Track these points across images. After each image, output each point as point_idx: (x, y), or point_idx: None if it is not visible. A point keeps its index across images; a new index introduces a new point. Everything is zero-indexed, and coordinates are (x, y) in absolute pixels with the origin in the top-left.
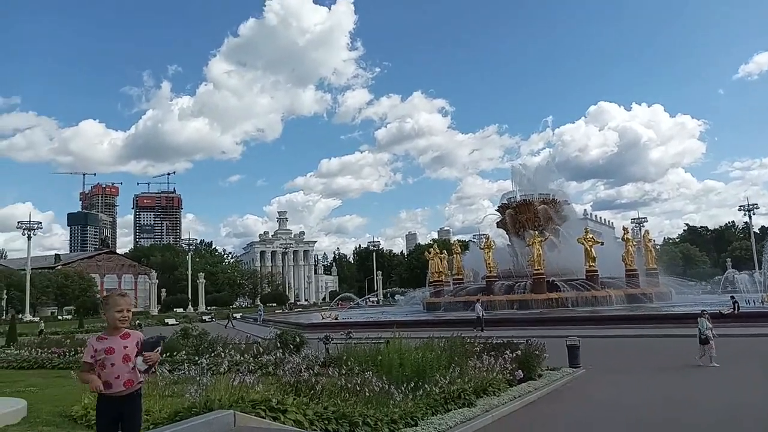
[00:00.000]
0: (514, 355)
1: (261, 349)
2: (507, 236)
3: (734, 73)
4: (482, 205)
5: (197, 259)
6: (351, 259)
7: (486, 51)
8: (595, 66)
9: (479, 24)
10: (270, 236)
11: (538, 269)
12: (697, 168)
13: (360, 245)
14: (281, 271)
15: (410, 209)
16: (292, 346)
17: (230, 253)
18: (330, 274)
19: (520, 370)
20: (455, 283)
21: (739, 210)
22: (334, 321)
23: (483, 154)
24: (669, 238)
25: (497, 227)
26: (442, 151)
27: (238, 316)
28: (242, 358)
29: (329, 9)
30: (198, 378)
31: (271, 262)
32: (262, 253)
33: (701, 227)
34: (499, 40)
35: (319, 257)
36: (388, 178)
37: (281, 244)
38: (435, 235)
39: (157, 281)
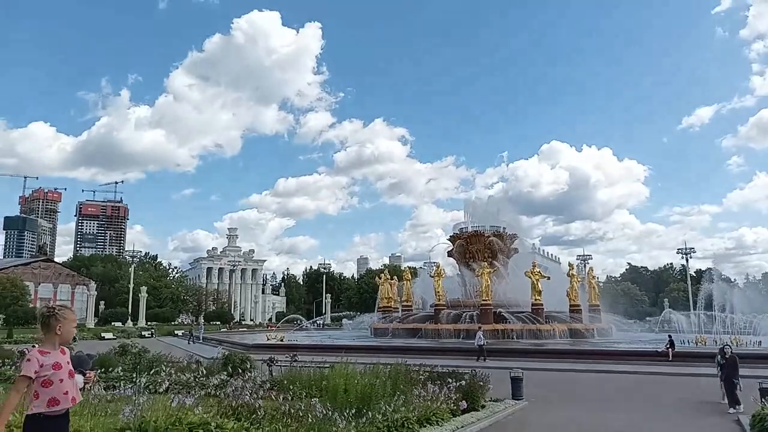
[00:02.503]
0: (459, 385)
1: (203, 369)
2: (457, 266)
3: (678, 123)
4: (435, 234)
5: (140, 272)
6: (300, 281)
7: (448, 85)
8: (550, 106)
9: (442, 58)
10: (218, 252)
11: (486, 300)
12: (641, 210)
13: (311, 266)
14: (228, 288)
15: (364, 234)
16: (240, 369)
17: (176, 267)
18: (278, 295)
19: (464, 401)
20: (404, 309)
21: (677, 253)
22: (279, 343)
23: (439, 184)
24: (612, 276)
25: (448, 256)
26: (399, 178)
27: (179, 333)
28: (183, 378)
29: (297, 32)
30: (134, 397)
31: (218, 279)
32: (209, 269)
33: (642, 267)
34: (460, 75)
35: (268, 277)
36: (344, 201)
37: (229, 261)
38: (387, 261)
39: (96, 293)
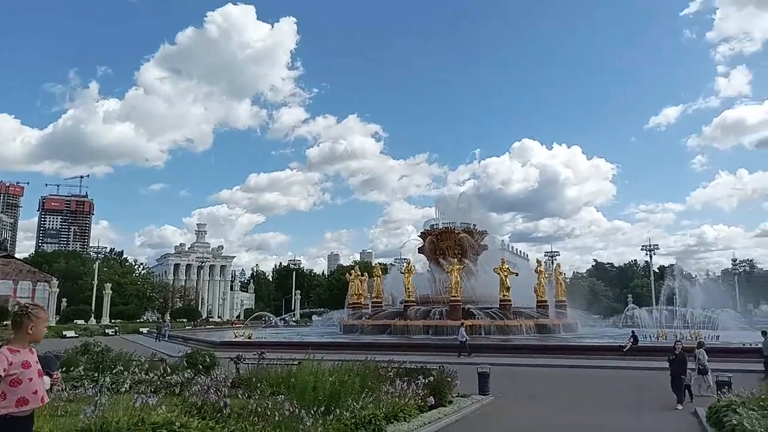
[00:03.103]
0: (427, 381)
1: (168, 367)
2: (427, 262)
3: (645, 123)
4: (407, 230)
5: (105, 269)
6: (270, 277)
7: (422, 82)
8: (522, 104)
9: (417, 55)
10: (186, 249)
11: (455, 296)
12: (608, 208)
13: (281, 263)
14: (195, 285)
15: (336, 230)
16: (201, 367)
17: (142, 264)
18: (247, 291)
19: (431, 397)
20: (374, 306)
21: (642, 250)
22: (247, 340)
23: (412, 181)
24: (578, 273)
25: (419, 253)
26: (372, 174)
27: (144, 330)
28: (146, 377)
29: (272, 27)
30: (96, 397)
31: (186, 275)
32: (177, 265)
33: (607, 264)
34: (435, 72)
35: (237, 273)
36: (316, 197)
37: (197, 257)
38: (358, 257)
39: (59, 290)
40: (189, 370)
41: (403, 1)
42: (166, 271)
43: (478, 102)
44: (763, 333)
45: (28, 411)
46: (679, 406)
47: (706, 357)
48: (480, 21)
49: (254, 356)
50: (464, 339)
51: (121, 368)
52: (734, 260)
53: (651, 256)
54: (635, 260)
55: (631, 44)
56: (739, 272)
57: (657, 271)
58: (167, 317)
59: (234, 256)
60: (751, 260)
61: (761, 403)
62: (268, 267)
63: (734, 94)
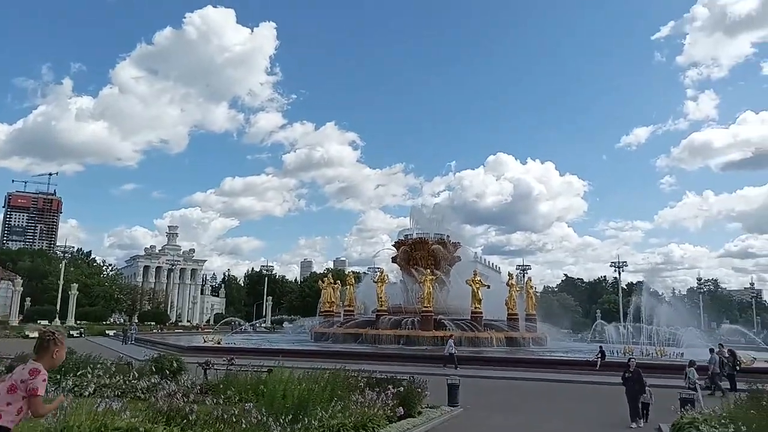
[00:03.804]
0: (397, 391)
1: (134, 371)
2: (401, 272)
3: (616, 142)
4: (381, 239)
5: (72, 269)
6: (242, 282)
7: (401, 93)
8: (498, 119)
9: (396, 66)
10: (157, 251)
11: (427, 307)
12: (579, 224)
13: (253, 268)
14: (165, 288)
15: (310, 237)
16: (168, 372)
17: (111, 265)
18: (217, 296)
19: (401, 407)
20: (346, 314)
21: (611, 266)
22: (216, 345)
23: (388, 190)
24: (549, 287)
25: (392, 262)
26: (348, 182)
27: (111, 333)
28: (111, 381)
29: (252, 31)
30: None
31: (155, 278)
32: (146, 268)
33: (577, 279)
34: (413, 83)
35: (208, 277)
36: (291, 203)
37: (168, 260)
38: (331, 265)
39: (23, 289)
40: (155, 375)
41: (384, 12)
42: (135, 273)
43: (455, 115)
44: (711, 350)
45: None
46: (633, 425)
47: (696, 375)
48: (459, 36)
49: (223, 362)
50: (453, 351)
51: (86, 371)
52: (699, 279)
53: (620, 273)
54: (604, 276)
55: (604, 65)
56: (703, 291)
57: (625, 287)
58: (135, 320)
59: (205, 260)
60: (715, 280)
61: (722, 421)
62: (240, 272)
63: (702, 117)
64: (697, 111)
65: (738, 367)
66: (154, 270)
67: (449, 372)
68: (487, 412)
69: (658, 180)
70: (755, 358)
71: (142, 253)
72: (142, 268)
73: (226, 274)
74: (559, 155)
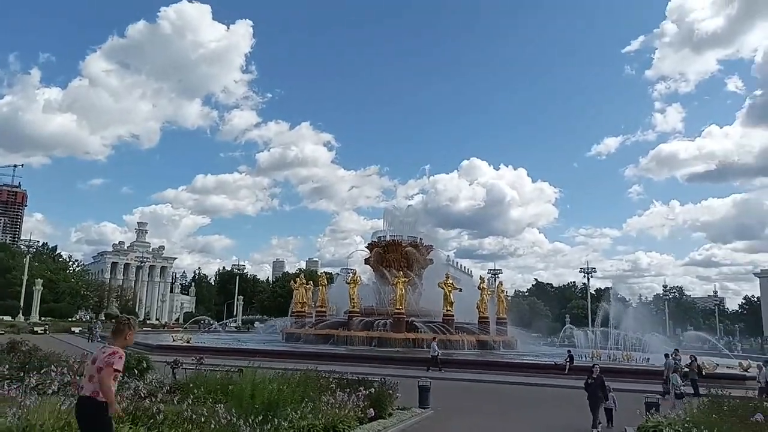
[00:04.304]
0: (368, 392)
1: None
2: (373, 273)
3: (587, 151)
4: (355, 241)
5: (36, 264)
6: (212, 281)
7: (377, 95)
8: (472, 124)
9: (373, 68)
10: (126, 247)
11: (399, 309)
12: (550, 230)
13: (224, 267)
14: (133, 285)
15: (282, 236)
16: (136, 371)
17: (77, 261)
18: (187, 294)
19: (372, 408)
20: (318, 315)
21: (580, 272)
22: (185, 344)
23: (362, 192)
24: (519, 291)
25: (365, 264)
26: (322, 183)
27: (76, 330)
28: (76, 379)
29: (228, 28)
30: (20, 399)
31: (123, 275)
32: (114, 264)
33: (547, 284)
34: (390, 86)
35: (178, 275)
36: (264, 202)
37: (137, 257)
38: (303, 265)
39: None
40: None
41: (361, 14)
42: (102, 270)
43: (430, 119)
44: (666, 355)
45: (81, 393)
46: (594, 431)
47: (680, 381)
48: (437, 42)
49: (192, 361)
50: (436, 353)
51: (49, 369)
52: (665, 287)
53: (588, 279)
54: (574, 282)
55: (577, 75)
56: (669, 298)
57: (594, 293)
58: (101, 317)
59: (176, 258)
60: (680, 287)
61: (685, 425)
62: (211, 270)
63: (669, 129)
64: (665, 123)
65: (701, 373)
66: (122, 267)
67: (422, 374)
68: (457, 414)
69: (627, 189)
70: (717, 364)
71: (110, 249)
72: (110, 265)
73: (197, 272)
74: (532, 162)
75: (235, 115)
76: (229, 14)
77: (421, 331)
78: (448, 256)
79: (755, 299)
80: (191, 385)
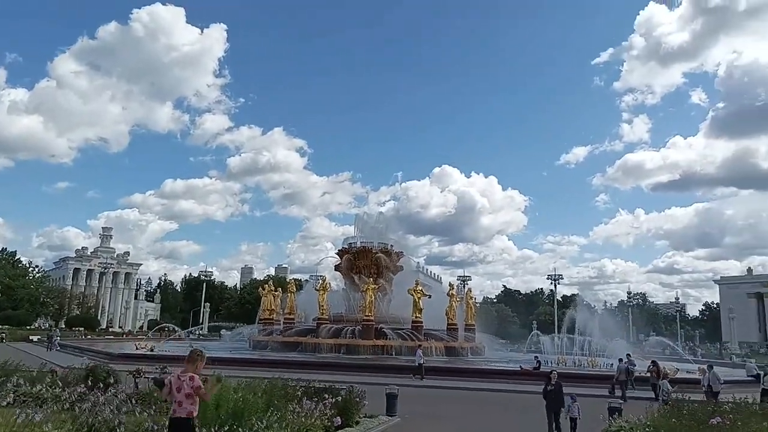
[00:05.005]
0: (335, 401)
1: (58, 380)
2: (343, 280)
3: (556, 159)
4: (325, 247)
5: None
6: (179, 288)
7: (350, 102)
8: (444, 132)
9: (346, 75)
10: (89, 253)
11: (369, 315)
12: (519, 237)
13: (191, 273)
14: (96, 292)
15: (252, 242)
16: (96, 380)
17: (38, 266)
18: (152, 301)
19: (339, 417)
20: (286, 322)
21: (547, 279)
22: (149, 353)
23: (334, 198)
24: (488, 297)
25: (335, 270)
26: (294, 189)
27: (35, 338)
28: (33, 390)
29: (201, 32)
30: None
31: (86, 281)
32: (77, 270)
33: (515, 290)
34: (364, 92)
35: (143, 282)
36: (234, 208)
37: (101, 262)
38: (273, 271)
39: None
40: (81, 384)
41: (335, 21)
42: (64, 276)
43: (403, 126)
44: (620, 360)
45: (175, 415)
46: None
47: (671, 388)
48: (409, 49)
49: (156, 370)
50: (421, 361)
51: (4, 379)
52: (629, 293)
53: (555, 286)
54: (541, 288)
55: (547, 86)
56: (632, 304)
57: (561, 299)
58: (61, 325)
59: (141, 264)
60: (643, 294)
61: (646, 429)
62: (177, 277)
63: (636, 140)
64: (632, 134)
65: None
66: (85, 273)
67: (391, 381)
68: (423, 421)
69: (594, 197)
70: (678, 369)
71: (73, 254)
72: (72, 271)
73: (163, 278)
74: (503, 170)
75: (206, 119)
76: (203, 17)
77: (389, 338)
78: (419, 262)
79: (715, 306)
80: (154, 395)
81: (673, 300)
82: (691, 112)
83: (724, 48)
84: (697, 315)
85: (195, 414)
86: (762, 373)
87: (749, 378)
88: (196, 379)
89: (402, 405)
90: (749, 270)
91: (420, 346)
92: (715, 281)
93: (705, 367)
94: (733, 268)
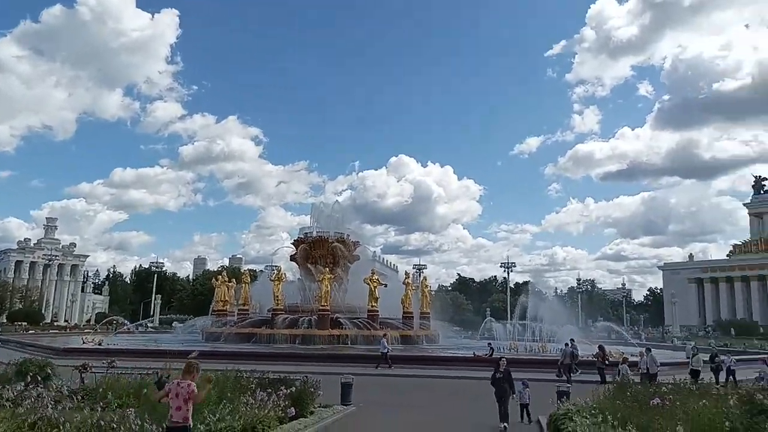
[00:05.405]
0: (289, 391)
1: None
2: (299, 270)
3: (510, 149)
4: (281, 237)
5: None
6: (128, 280)
7: (306, 90)
8: (402, 121)
9: (302, 63)
10: (32, 244)
11: (324, 305)
12: (473, 226)
13: (141, 265)
14: (40, 285)
15: (206, 233)
16: (37, 376)
17: None
18: (101, 294)
19: (293, 407)
20: (240, 313)
21: (501, 267)
22: (96, 347)
23: (290, 187)
24: (443, 286)
25: (291, 260)
26: (249, 178)
27: None
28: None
29: (152, 17)
30: None
31: (29, 274)
32: (19, 263)
33: (470, 278)
34: (319, 81)
35: (91, 274)
36: (187, 197)
37: (45, 254)
38: (227, 262)
39: None
40: (22, 381)
41: (290, 8)
42: (5, 269)
43: (360, 115)
44: (566, 344)
45: (173, 420)
46: (502, 425)
47: (630, 371)
48: (365, 37)
49: (103, 365)
50: (386, 350)
51: None
52: (579, 280)
53: (508, 273)
54: (495, 276)
55: (502, 76)
56: (582, 291)
57: (513, 287)
58: (2, 319)
59: (88, 255)
60: (592, 281)
61: (592, 411)
62: (127, 269)
63: (586, 130)
64: (582, 125)
65: (607, 361)
66: (27, 265)
67: (347, 371)
68: (377, 410)
69: (547, 187)
70: (623, 353)
71: (15, 246)
72: (13, 263)
73: (111, 270)
74: (458, 160)
75: (158, 106)
76: (154, 2)
77: (345, 328)
78: (375, 252)
79: (659, 291)
80: (101, 390)
81: (620, 286)
82: (638, 104)
83: (670, 42)
84: (642, 300)
85: (190, 421)
86: (691, 353)
87: (689, 360)
88: (192, 386)
89: (358, 394)
90: (691, 256)
91: (385, 335)
92: (659, 267)
93: (643, 350)
94: (676, 254)
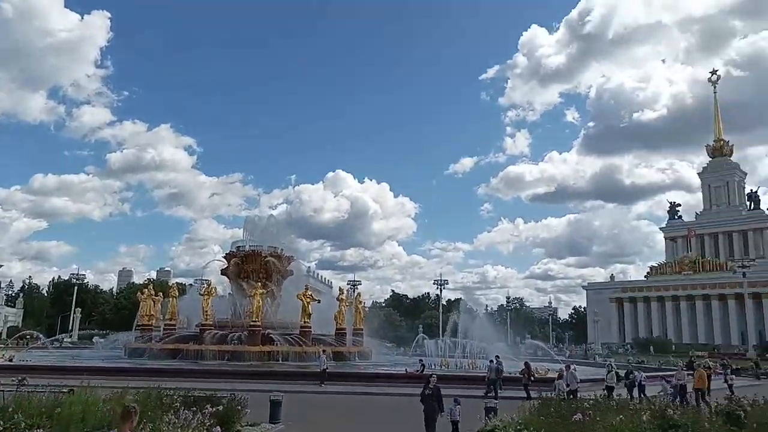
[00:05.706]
0: (215, 410)
1: None
2: (230, 285)
3: (446, 169)
4: (213, 250)
5: None
6: (45, 292)
7: (243, 101)
8: (339, 136)
9: (239, 73)
10: None
11: (255, 321)
12: (408, 243)
13: (60, 276)
14: None
15: (132, 244)
16: None
17: None
18: (14, 306)
19: (218, 426)
20: (166, 328)
21: (434, 284)
22: (7, 363)
23: (223, 200)
24: (377, 302)
25: (222, 274)
26: (181, 188)
27: None
28: None
29: (82, 18)
30: None
31: None
32: None
33: (403, 295)
34: (256, 92)
35: (4, 285)
36: (113, 207)
37: None
38: (154, 275)
39: None
40: None
41: (228, 18)
42: None
43: (297, 129)
44: (490, 361)
45: None
46: None
47: (566, 388)
48: (306, 52)
49: (13, 382)
50: (325, 366)
51: None
52: (508, 298)
53: (441, 290)
54: (428, 293)
55: (439, 97)
56: (511, 309)
57: (445, 304)
58: None
59: (2, 265)
60: (521, 299)
61: (518, 427)
62: (45, 280)
63: (517, 153)
64: (514, 147)
65: (532, 378)
66: None
67: (275, 388)
68: (306, 428)
69: (479, 206)
70: (549, 369)
71: None
72: None
73: (27, 281)
74: (394, 177)
75: (85, 111)
76: (83, 3)
77: (277, 344)
78: (309, 267)
79: (582, 310)
80: (10, 410)
81: (547, 304)
82: (566, 129)
83: (594, 72)
84: (568, 318)
85: None
86: (606, 371)
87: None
88: None
89: (287, 412)
90: (612, 277)
91: (324, 351)
92: (583, 287)
93: (563, 367)
94: (599, 275)
